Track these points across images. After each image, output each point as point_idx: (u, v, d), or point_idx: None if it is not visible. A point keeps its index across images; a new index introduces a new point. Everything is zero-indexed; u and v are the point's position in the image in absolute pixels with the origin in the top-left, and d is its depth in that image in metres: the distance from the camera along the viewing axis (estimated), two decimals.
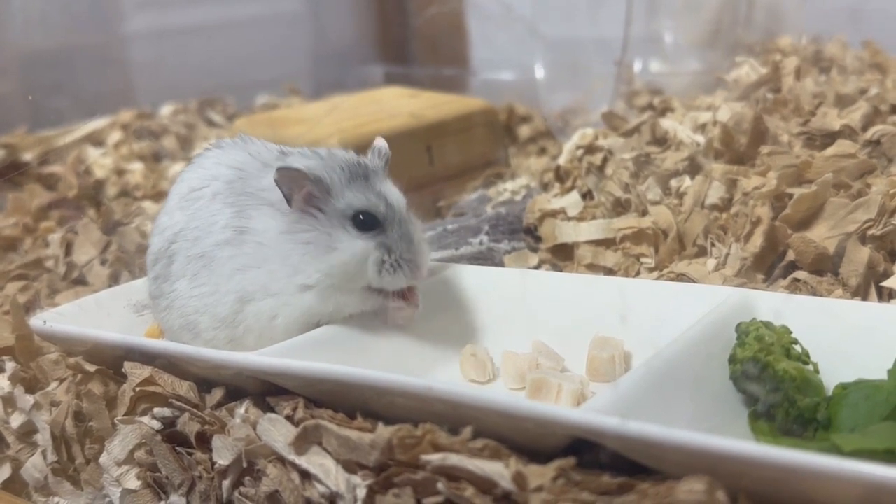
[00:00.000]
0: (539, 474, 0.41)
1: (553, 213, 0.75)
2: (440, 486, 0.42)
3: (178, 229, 0.60)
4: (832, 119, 0.75)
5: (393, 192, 0.59)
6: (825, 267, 0.61)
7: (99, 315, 0.64)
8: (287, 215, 0.57)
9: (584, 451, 0.42)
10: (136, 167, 1.04)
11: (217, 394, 0.54)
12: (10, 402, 0.62)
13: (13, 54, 1.27)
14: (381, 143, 0.61)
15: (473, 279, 0.64)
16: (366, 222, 0.57)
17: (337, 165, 0.58)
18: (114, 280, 0.76)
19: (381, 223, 0.57)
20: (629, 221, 0.71)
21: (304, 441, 0.47)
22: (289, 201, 0.56)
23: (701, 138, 0.79)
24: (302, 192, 0.56)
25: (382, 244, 0.57)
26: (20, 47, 1.27)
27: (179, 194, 0.62)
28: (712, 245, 0.67)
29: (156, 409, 0.53)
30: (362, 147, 0.84)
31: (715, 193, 0.70)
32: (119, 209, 0.91)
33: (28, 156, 1.04)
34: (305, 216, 0.56)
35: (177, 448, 0.52)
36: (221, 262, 0.57)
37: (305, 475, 0.46)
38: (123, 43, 1.38)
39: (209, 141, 1.10)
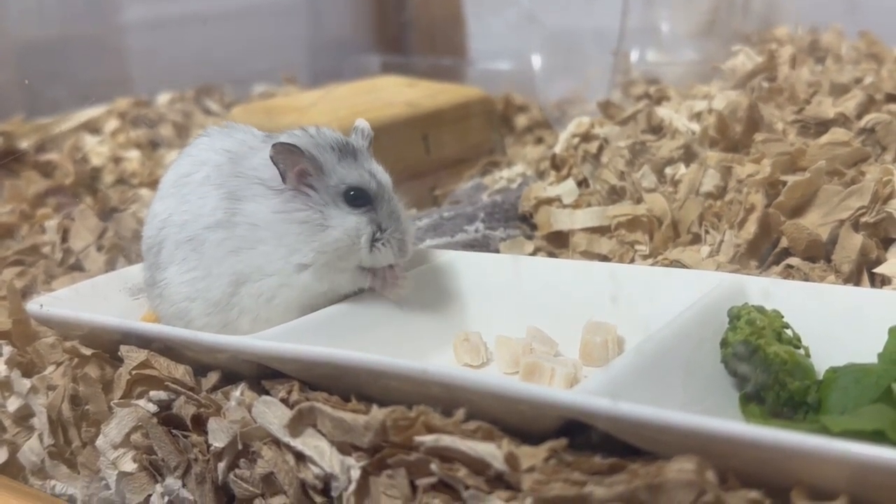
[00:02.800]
0: (531, 455, 0.41)
1: (548, 201, 0.76)
2: (433, 466, 0.42)
3: (167, 215, 0.60)
4: (827, 107, 0.75)
5: (380, 171, 0.59)
6: (818, 254, 0.61)
7: (95, 299, 0.64)
8: (280, 194, 0.57)
9: (576, 433, 0.43)
10: (133, 155, 1.04)
11: (212, 377, 0.54)
12: (6, 385, 0.62)
13: (10, 43, 1.27)
14: (362, 123, 0.62)
15: (469, 266, 0.65)
16: (357, 199, 0.57)
17: (327, 144, 0.58)
18: (110, 266, 0.76)
19: (371, 200, 0.58)
20: (624, 209, 0.71)
21: (298, 423, 0.47)
22: (284, 178, 0.57)
23: (696, 126, 0.79)
24: (296, 168, 0.56)
25: (373, 220, 0.58)
26: (17, 36, 1.27)
27: (168, 182, 0.62)
28: (706, 232, 0.67)
29: (152, 393, 0.53)
30: None
31: (709, 181, 0.70)
32: (115, 196, 0.91)
33: (25, 143, 1.04)
34: (298, 195, 0.57)
35: (173, 431, 0.52)
36: (212, 245, 0.58)
37: (300, 457, 0.47)
38: (120, 31, 1.37)
39: (204, 129, 1.11)
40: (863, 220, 0.61)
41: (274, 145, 0.56)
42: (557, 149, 0.85)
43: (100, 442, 0.54)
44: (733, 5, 1.10)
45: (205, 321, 0.58)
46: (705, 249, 0.65)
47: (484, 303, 0.63)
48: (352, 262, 0.58)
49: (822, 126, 0.73)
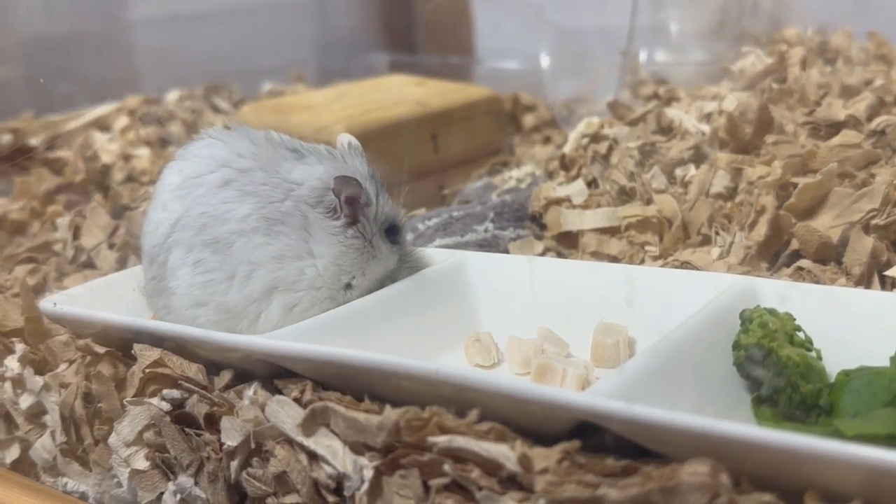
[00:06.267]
0: (544, 457, 0.41)
1: (558, 201, 0.76)
2: (446, 467, 0.42)
3: (176, 219, 0.59)
4: (837, 109, 0.75)
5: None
6: (829, 256, 0.61)
7: (109, 298, 0.64)
8: (333, 219, 0.59)
9: (589, 434, 0.43)
10: (143, 153, 1.04)
11: (225, 376, 0.54)
12: (19, 383, 0.62)
13: (19, 39, 1.27)
14: (348, 138, 0.64)
15: (479, 266, 0.65)
16: (392, 234, 0.61)
17: (368, 174, 0.61)
18: (121, 264, 0.76)
19: (399, 233, 0.62)
20: (634, 210, 0.71)
21: (311, 423, 0.47)
22: (340, 208, 0.58)
23: (706, 127, 0.79)
24: (352, 199, 0.58)
25: (400, 252, 0.62)
26: (26, 32, 1.27)
27: (171, 185, 0.60)
28: (717, 234, 0.67)
29: (165, 391, 0.54)
30: (368, 134, 0.85)
31: (720, 182, 0.70)
32: (126, 194, 0.91)
33: (35, 140, 1.04)
34: (352, 223, 0.59)
35: (185, 429, 0.52)
36: (245, 249, 0.57)
37: (313, 456, 0.47)
38: (129, 28, 1.38)
39: (215, 126, 1.11)
40: (873, 222, 0.61)
41: (337, 178, 0.58)
42: (567, 149, 0.85)
43: (112, 440, 0.55)
44: (742, 5, 1.10)
45: (212, 328, 0.57)
46: (715, 251, 0.65)
47: (495, 303, 0.63)
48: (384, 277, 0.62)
49: (833, 128, 0.73)
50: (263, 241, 0.57)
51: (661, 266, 0.65)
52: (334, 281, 0.59)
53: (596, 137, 0.83)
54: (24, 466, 0.62)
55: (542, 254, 0.73)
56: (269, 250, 0.57)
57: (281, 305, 0.57)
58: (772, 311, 0.50)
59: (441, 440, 0.43)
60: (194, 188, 0.59)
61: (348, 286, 0.59)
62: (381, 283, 0.61)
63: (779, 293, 0.53)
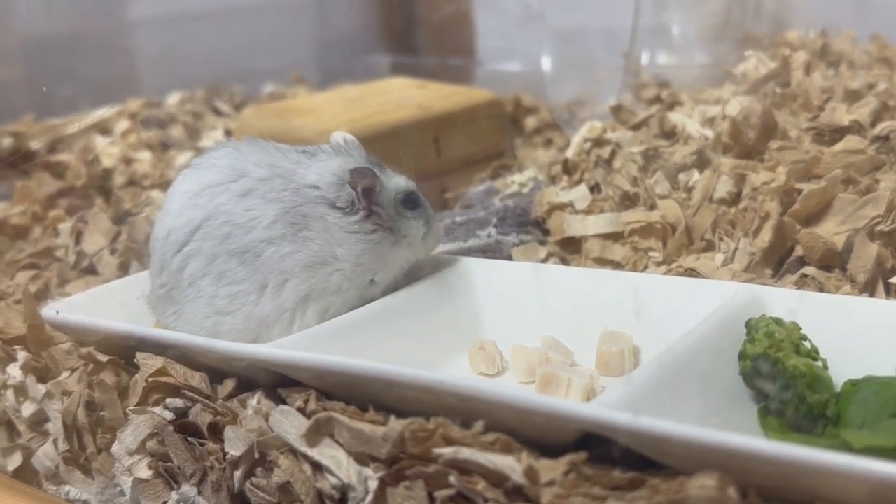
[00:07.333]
0: (550, 468, 0.41)
1: (561, 206, 0.76)
2: (452, 479, 0.42)
3: (195, 227, 0.58)
4: (841, 114, 0.75)
5: None
6: (833, 263, 0.61)
7: (111, 305, 0.64)
8: (351, 214, 0.59)
9: (595, 445, 0.42)
10: (144, 156, 1.04)
11: (229, 385, 0.54)
12: (21, 391, 0.62)
13: (18, 41, 1.26)
14: (343, 134, 0.64)
15: (484, 273, 0.64)
16: (413, 201, 0.61)
17: (369, 158, 0.62)
18: (123, 270, 0.76)
19: (419, 199, 0.62)
20: (637, 215, 0.71)
21: (316, 433, 0.47)
22: (359, 200, 0.59)
23: (709, 132, 0.79)
24: (368, 189, 0.59)
25: (425, 216, 0.62)
26: (25, 34, 1.27)
27: (188, 193, 0.59)
28: (720, 240, 0.67)
29: (168, 400, 0.53)
30: (370, 138, 0.84)
31: (723, 188, 0.70)
32: (127, 199, 0.91)
33: (35, 144, 1.04)
34: (369, 214, 0.59)
35: (189, 438, 0.52)
36: (275, 259, 0.57)
37: (317, 467, 0.47)
38: (130, 30, 1.37)
39: (216, 129, 1.11)
40: (878, 228, 0.61)
41: (352, 171, 0.58)
42: (569, 153, 0.84)
43: (115, 448, 0.54)
44: (745, 7, 1.10)
45: (236, 337, 0.57)
46: (719, 257, 0.65)
47: (498, 310, 0.63)
48: (410, 264, 0.62)
49: (837, 133, 0.73)
50: (292, 249, 0.57)
51: (665, 272, 0.65)
52: (360, 280, 0.59)
53: (599, 142, 0.82)
54: (26, 474, 0.62)
55: (545, 259, 0.72)
56: (298, 259, 0.58)
57: (316, 312, 0.58)
58: (778, 321, 0.50)
59: (446, 451, 0.43)
60: (215, 196, 0.59)
61: (374, 283, 0.60)
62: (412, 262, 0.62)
63: (784, 302, 0.53)
